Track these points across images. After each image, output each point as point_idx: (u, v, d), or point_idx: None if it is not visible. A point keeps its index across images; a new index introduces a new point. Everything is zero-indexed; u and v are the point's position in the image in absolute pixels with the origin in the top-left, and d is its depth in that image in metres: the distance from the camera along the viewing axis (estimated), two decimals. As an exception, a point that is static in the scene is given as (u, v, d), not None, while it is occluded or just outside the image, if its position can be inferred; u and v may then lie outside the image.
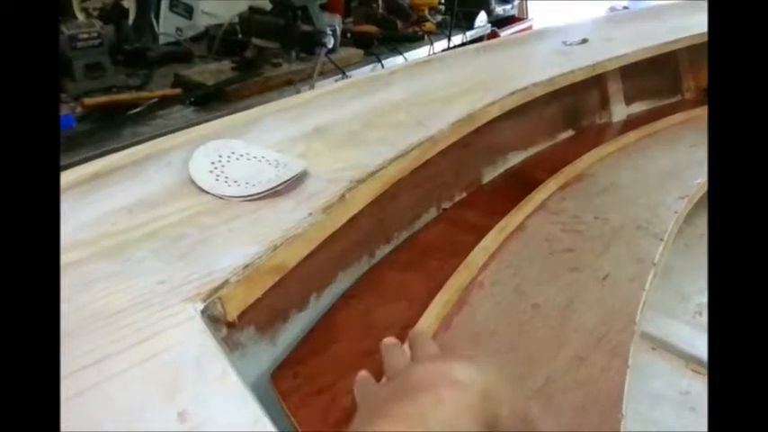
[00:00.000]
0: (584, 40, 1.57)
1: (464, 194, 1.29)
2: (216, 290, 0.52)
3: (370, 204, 0.87)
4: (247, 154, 0.74)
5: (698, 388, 1.00)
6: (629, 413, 0.70)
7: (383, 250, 1.02)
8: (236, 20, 2.06)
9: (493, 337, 0.82)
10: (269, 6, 1.89)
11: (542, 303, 0.89)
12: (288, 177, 0.68)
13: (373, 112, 1.02)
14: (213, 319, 0.52)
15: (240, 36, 2.02)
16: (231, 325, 0.60)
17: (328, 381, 0.72)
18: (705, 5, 2.12)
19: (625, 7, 3.70)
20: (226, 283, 0.53)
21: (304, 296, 0.80)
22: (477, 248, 1.01)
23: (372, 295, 0.90)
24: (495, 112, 1.16)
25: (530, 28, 3.12)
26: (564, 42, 1.56)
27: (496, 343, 0.81)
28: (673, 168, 1.37)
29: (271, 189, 0.66)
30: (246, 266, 0.55)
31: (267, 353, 0.73)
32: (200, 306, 0.50)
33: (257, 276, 0.56)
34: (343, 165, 0.75)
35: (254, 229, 0.61)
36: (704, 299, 1.26)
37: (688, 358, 1.07)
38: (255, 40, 1.84)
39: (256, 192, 0.66)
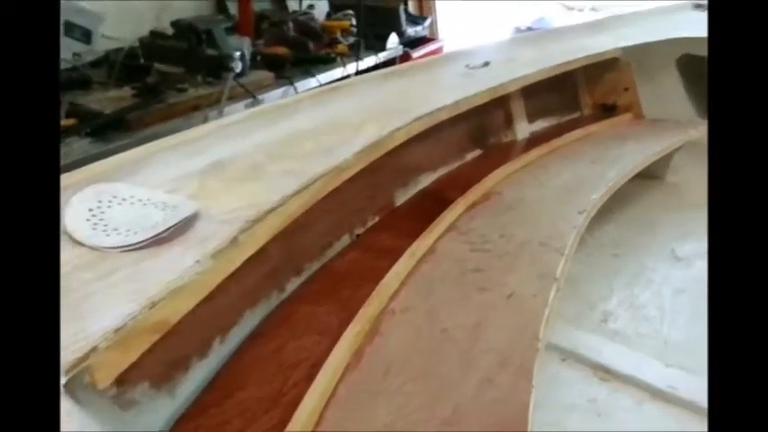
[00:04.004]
0: (487, 63, 1.64)
1: (377, 218, 1.29)
2: (82, 359, 0.47)
3: (276, 237, 0.85)
4: (131, 197, 0.70)
5: (604, 394, 1.06)
6: (541, 425, 0.72)
7: (294, 283, 1.00)
8: (138, 44, 1.97)
9: (404, 366, 0.81)
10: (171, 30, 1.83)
11: (452, 327, 0.90)
12: (175, 222, 0.64)
13: (278, 142, 1.00)
14: (83, 390, 0.48)
15: (142, 61, 1.93)
16: (119, 382, 0.56)
17: (234, 430, 0.69)
18: (601, 27, 2.28)
19: (529, 28, 3.91)
20: (94, 350, 0.48)
21: (206, 341, 0.76)
22: (388, 275, 1.01)
23: (283, 332, 0.88)
24: (402, 137, 1.17)
25: (441, 49, 3.22)
26: (467, 66, 1.61)
27: (408, 372, 0.80)
28: (573, 184, 1.45)
29: (155, 236, 0.62)
30: (118, 329, 0.51)
31: (166, 407, 0.69)
32: (64, 379, 0.45)
33: (132, 338, 0.52)
34: (241, 203, 0.73)
35: (132, 283, 0.57)
36: (608, 306, 1.33)
37: (595, 366, 1.12)
38: (158, 65, 1.77)
39: (139, 240, 0.62)
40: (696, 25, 2.39)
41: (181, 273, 0.58)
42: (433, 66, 1.65)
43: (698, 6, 2.59)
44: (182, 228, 0.65)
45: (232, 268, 0.65)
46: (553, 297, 0.97)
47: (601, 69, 2.04)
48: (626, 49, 2.01)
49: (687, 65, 2.25)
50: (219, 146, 0.93)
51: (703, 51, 2.15)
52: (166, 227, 0.63)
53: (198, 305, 0.65)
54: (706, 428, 1.01)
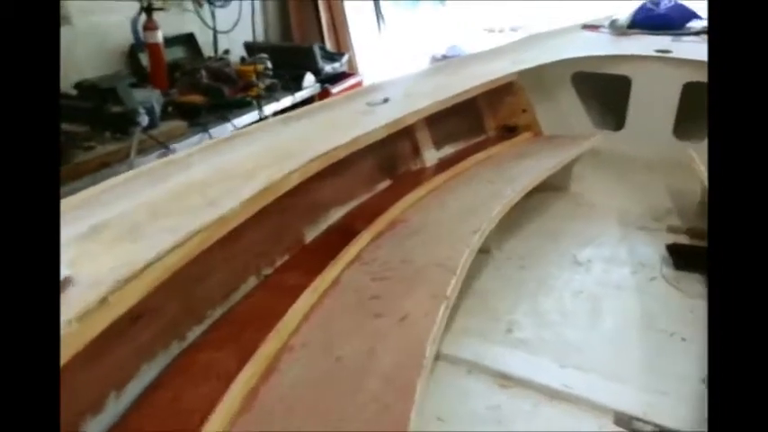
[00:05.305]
0: (386, 100, 1.73)
1: (286, 257, 1.33)
2: None
3: (171, 288, 0.87)
4: (2, 270, 0.72)
5: (503, 401, 1.12)
6: None
7: (196, 331, 1.02)
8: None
9: (298, 401, 0.85)
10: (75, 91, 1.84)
11: (346, 355, 0.95)
12: (43, 290, 0.67)
13: (164, 199, 1.03)
14: None
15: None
16: None
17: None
18: (502, 53, 2.42)
19: (444, 56, 4.10)
20: None
21: (99, 397, 0.78)
22: (289, 312, 1.06)
23: (181, 380, 0.90)
24: (296, 179, 1.22)
25: (360, 83, 3.33)
26: (368, 103, 1.70)
27: (301, 406, 0.84)
28: (473, 204, 1.54)
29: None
30: None
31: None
32: None
33: None
34: (114, 264, 0.76)
35: None
36: (513, 316, 1.42)
37: (497, 375, 1.19)
38: (63, 126, 1.77)
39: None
40: (586, 44, 2.60)
41: None
42: (334, 106, 1.72)
43: (586, 27, 2.82)
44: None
45: (100, 328, 0.67)
46: (442, 314, 1.03)
47: (500, 93, 2.18)
48: (521, 73, 2.16)
49: (581, 81, 2.44)
50: (100, 210, 0.95)
51: (594, 69, 2.34)
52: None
53: (87, 363, 0.67)
54: (598, 424, 1.09)
